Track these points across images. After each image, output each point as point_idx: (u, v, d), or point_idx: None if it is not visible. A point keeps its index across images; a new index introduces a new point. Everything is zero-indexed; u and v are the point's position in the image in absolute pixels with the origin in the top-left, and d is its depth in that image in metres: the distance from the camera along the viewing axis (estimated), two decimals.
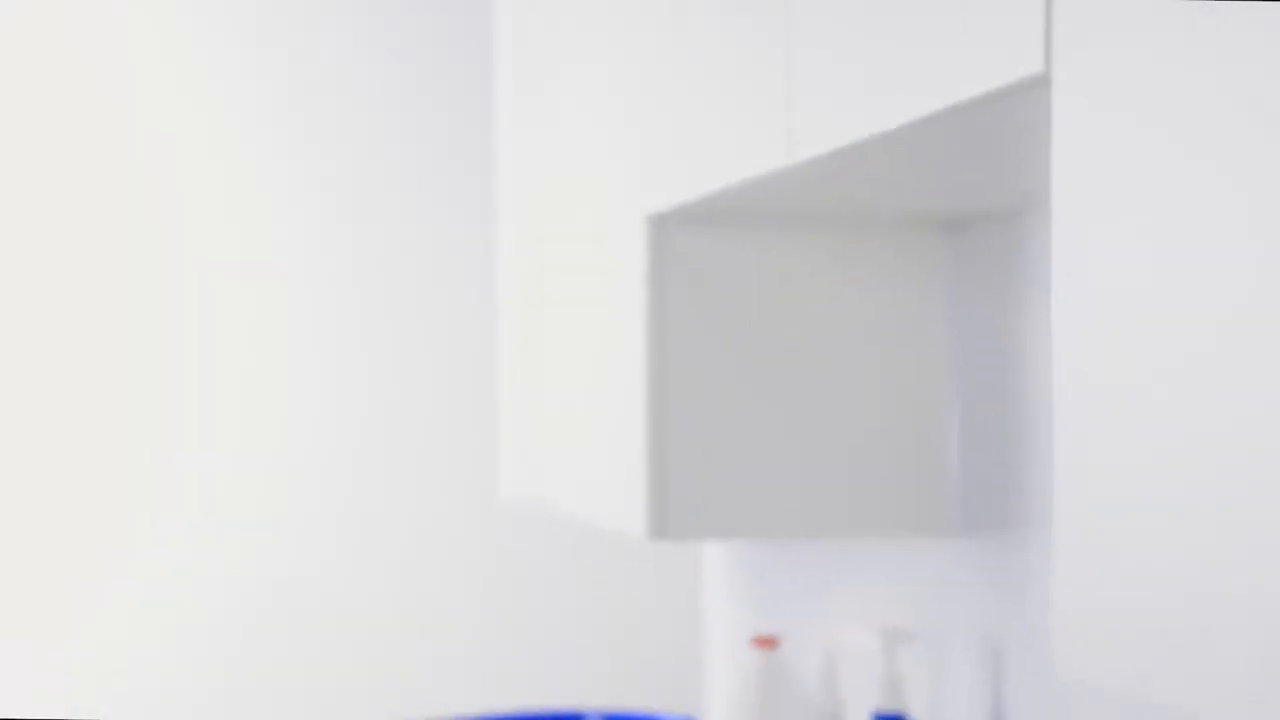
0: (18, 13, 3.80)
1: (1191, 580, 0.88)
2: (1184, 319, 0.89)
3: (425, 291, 3.88)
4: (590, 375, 2.17)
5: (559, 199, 2.34)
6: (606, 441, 2.08)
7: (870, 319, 1.99)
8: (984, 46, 1.14)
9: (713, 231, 1.97)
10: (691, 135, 1.75)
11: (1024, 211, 1.87)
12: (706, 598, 2.87)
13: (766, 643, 2.38)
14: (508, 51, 2.69)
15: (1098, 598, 0.96)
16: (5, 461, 3.74)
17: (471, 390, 3.90)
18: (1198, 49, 0.88)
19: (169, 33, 3.80)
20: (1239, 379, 0.85)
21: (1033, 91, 1.14)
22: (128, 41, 3.81)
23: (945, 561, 2.01)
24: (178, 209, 3.80)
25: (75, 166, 3.80)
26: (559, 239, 2.34)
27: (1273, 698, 0.81)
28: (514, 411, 2.59)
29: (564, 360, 2.31)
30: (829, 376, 1.98)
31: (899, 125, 1.27)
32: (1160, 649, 0.90)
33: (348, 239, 3.87)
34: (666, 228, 1.96)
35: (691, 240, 1.96)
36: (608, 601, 3.95)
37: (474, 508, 3.95)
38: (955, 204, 1.88)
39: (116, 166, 3.81)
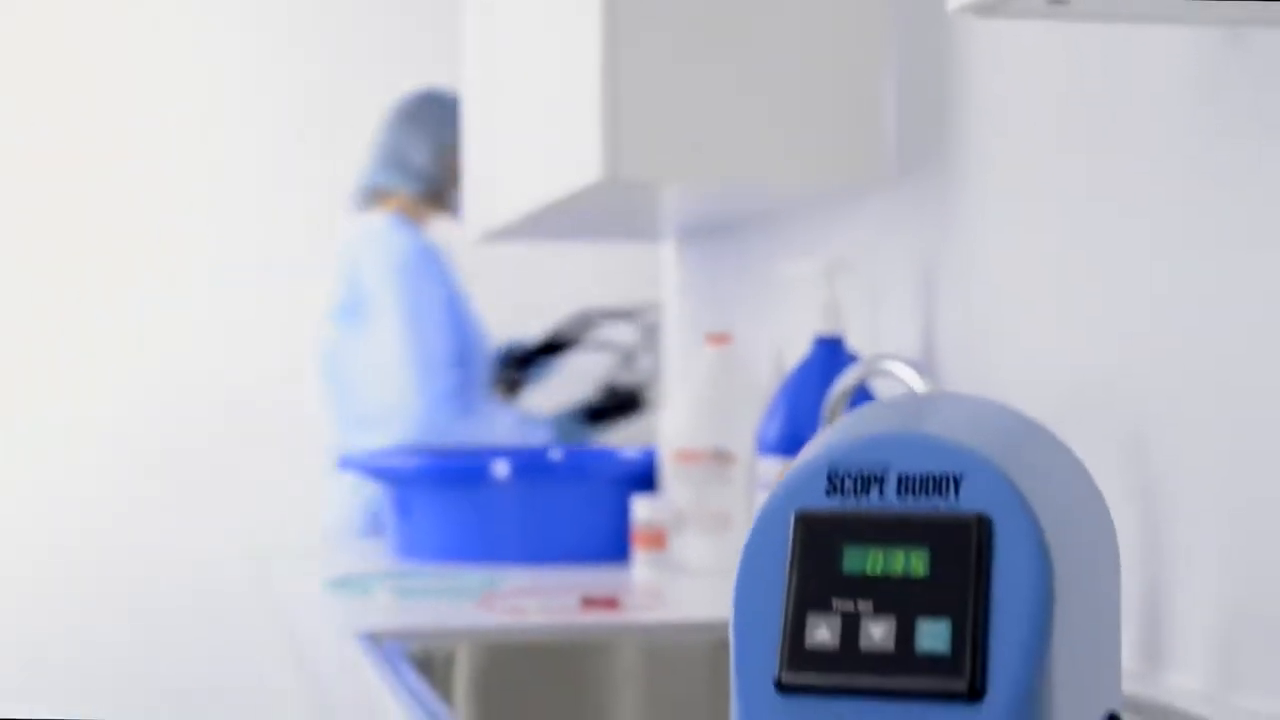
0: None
1: None
2: None
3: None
4: (545, 53, 2.29)
5: None
6: (562, 105, 2.20)
7: None
8: None
9: None
10: None
11: None
12: (665, 312, 3.01)
13: (719, 340, 2.50)
14: None
15: None
16: None
17: None
18: None
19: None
20: None
21: None
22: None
23: (882, 212, 2.14)
24: None
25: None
26: None
27: None
28: (476, 143, 2.71)
29: (520, 53, 2.43)
30: (774, 32, 2.10)
31: None
32: None
33: None
34: None
35: None
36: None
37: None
38: None
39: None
